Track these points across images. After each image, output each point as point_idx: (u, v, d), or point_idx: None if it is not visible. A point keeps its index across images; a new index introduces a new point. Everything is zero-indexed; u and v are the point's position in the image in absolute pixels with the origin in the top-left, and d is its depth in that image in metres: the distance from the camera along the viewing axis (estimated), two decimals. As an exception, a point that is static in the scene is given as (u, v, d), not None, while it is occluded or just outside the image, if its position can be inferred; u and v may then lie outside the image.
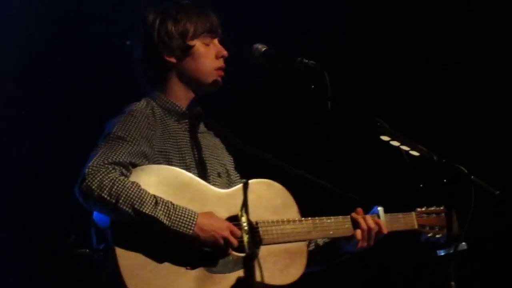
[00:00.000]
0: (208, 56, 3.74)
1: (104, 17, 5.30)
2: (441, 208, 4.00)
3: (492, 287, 5.67)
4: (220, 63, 3.76)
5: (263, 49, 3.71)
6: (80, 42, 5.32)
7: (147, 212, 3.33)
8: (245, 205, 3.56)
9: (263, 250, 3.56)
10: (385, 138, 3.53)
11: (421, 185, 3.68)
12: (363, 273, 5.55)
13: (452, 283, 3.42)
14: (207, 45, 3.75)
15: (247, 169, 3.79)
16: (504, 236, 5.50)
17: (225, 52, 3.77)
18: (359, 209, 3.82)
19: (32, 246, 5.20)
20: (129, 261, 3.33)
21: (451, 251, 3.54)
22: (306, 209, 3.73)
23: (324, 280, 3.69)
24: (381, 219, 3.83)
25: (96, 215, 3.44)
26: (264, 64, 3.71)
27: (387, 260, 5.34)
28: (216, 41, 3.79)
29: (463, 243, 3.86)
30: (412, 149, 3.55)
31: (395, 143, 3.54)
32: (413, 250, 3.98)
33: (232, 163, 3.87)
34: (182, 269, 3.40)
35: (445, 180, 3.49)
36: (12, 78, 5.22)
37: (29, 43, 5.27)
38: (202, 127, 3.84)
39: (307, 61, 3.59)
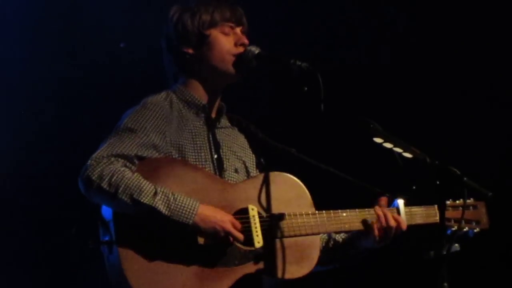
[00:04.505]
0: (225, 43, 3.72)
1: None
2: (470, 201, 3.97)
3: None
4: (239, 50, 3.72)
5: (257, 52, 3.71)
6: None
7: (145, 201, 3.34)
8: (257, 197, 3.56)
9: (274, 244, 3.54)
10: (378, 140, 3.54)
11: (414, 187, 3.69)
12: (356, 274, 5.56)
13: (445, 284, 3.43)
14: (227, 34, 3.74)
15: (272, 164, 3.78)
16: (496, 237, 5.51)
17: (245, 40, 3.74)
18: (384, 198, 3.80)
19: (38, 239, 5.24)
20: (131, 254, 3.34)
21: (444, 253, 3.55)
22: (330, 203, 3.70)
23: (315, 281, 3.68)
24: (401, 212, 3.81)
25: (103, 208, 3.46)
26: (258, 66, 3.72)
27: (380, 261, 5.35)
28: (238, 30, 3.77)
29: (456, 244, 3.88)
30: (405, 151, 3.56)
31: (388, 145, 3.55)
32: (406, 251, 3.98)
33: (253, 160, 3.85)
34: (183, 263, 3.40)
35: (438, 182, 3.50)
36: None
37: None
38: (224, 122, 3.84)
39: (300, 63, 3.60)
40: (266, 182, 3.60)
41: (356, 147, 4.90)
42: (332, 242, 3.86)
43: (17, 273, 5.20)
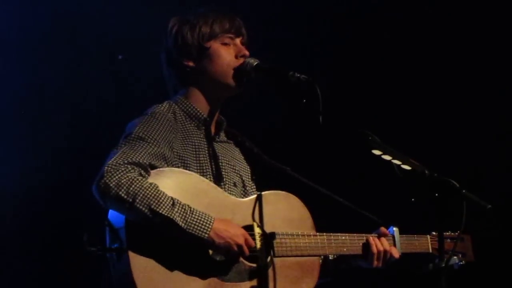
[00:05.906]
0: (226, 55, 3.70)
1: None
2: (456, 233, 3.98)
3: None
4: (239, 62, 3.71)
5: (255, 63, 3.70)
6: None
7: (163, 213, 3.31)
8: (260, 215, 3.55)
9: (276, 262, 3.55)
10: (376, 152, 3.53)
11: (412, 199, 3.68)
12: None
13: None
14: (227, 45, 3.73)
15: (266, 180, 3.77)
16: (495, 249, 5.51)
17: (245, 52, 3.73)
18: (383, 229, 3.84)
19: (45, 245, 5.22)
20: (141, 262, 3.32)
21: (443, 265, 3.55)
22: (319, 223, 3.71)
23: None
24: (396, 239, 3.85)
25: (111, 214, 3.42)
26: (256, 78, 3.71)
27: (379, 275, 5.33)
28: (238, 41, 3.75)
29: (454, 257, 3.88)
30: (403, 163, 3.56)
31: (386, 157, 3.54)
32: (404, 264, 3.97)
33: (249, 174, 3.84)
34: (192, 274, 3.38)
35: (436, 194, 3.50)
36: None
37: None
38: (222, 136, 3.83)
39: (299, 75, 3.59)
40: (271, 201, 3.60)
41: (354, 159, 4.90)
42: (321, 259, 3.85)
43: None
